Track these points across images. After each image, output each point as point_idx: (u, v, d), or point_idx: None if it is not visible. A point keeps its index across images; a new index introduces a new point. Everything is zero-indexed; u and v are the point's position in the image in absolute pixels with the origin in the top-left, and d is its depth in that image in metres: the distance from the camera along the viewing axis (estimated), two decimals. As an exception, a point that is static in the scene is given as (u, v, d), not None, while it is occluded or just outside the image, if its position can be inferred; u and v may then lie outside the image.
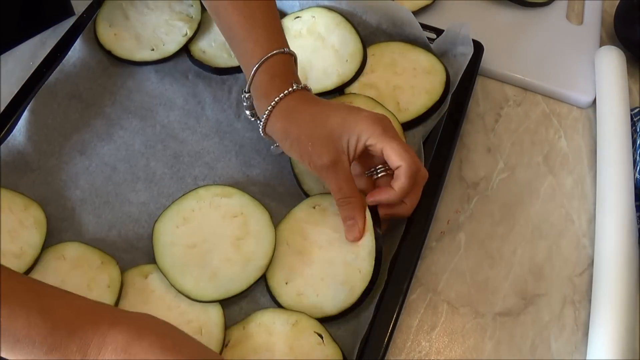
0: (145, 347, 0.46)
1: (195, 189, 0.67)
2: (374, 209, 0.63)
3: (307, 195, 0.69)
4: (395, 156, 0.59)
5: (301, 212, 0.67)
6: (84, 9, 0.82)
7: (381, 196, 0.62)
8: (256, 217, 0.65)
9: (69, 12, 0.85)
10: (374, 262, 0.61)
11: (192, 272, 0.62)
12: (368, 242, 0.63)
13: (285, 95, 0.62)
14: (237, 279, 0.62)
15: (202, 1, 0.69)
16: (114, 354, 0.45)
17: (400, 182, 0.60)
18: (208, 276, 0.62)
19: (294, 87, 0.62)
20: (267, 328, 0.60)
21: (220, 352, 0.58)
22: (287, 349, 0.59)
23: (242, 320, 0.61)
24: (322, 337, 0.59)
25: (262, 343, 0.59)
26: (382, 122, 0.60)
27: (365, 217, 0.62)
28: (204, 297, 0.60)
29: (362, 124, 0.59)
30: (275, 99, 0.62)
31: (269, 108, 0.62)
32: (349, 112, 0.61)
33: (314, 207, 0.66)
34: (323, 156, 0.60)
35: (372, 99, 0.72)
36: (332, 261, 0.63)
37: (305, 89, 0.64)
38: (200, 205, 0.66)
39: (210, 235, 0.64)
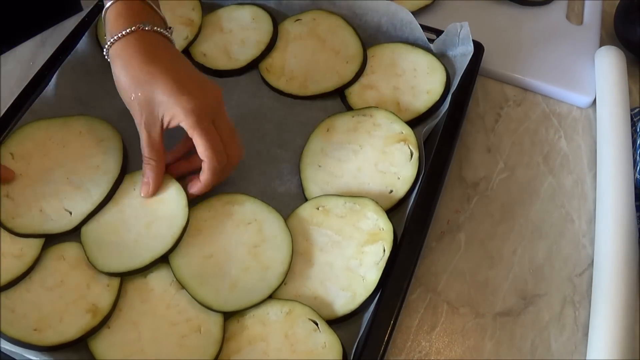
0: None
1: (206, 198, 0.67)
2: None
3: (306, 200, 0.69)
4: (200, 151, 0.62)
5: (304, 213, 0.67)
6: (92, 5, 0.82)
7: (192, 190, 0.66)
8: (270, 223, 0.65)
9: (78, 7, 0.85)
10: (381, 272, 0.61)
11: (212, 283, 0.61)
12: (376, 251, 0.63)
13: (121, 36, 0.62)
14: (257, 288, 0.61)
15: None
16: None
17: (204, 176, 0.64)
18: (228, 286, 0.61)
19: (133, 28, 0.62)
20: (261, 319, 0.60)
21: (220, 351, 0.58)
22: (282, 338, 0.59)
23: (237, 314, 0.60)
24: (317, 324, 0.59)
25: (257, 334, 0.59)
26: (197, 114, 0.61)
27: (160, 183, 0.65)
28: (225, 307, 0.60)
29: (179, 108, 0.60)
30: (112, 39, 0.63)
31: (105, 47, 0.64)
32: (175, 90, 0.61)
33: (318, 208, 0.66)
34: (138, 114, 0.63)
35: (393, 113, 0.72)
36: (332, 265, 0.63)
37: (156, 31, 0.64)
38: (212, 214, 0.66)
39: (225, 244, 0.64)
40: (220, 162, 0.63)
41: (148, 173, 0.65)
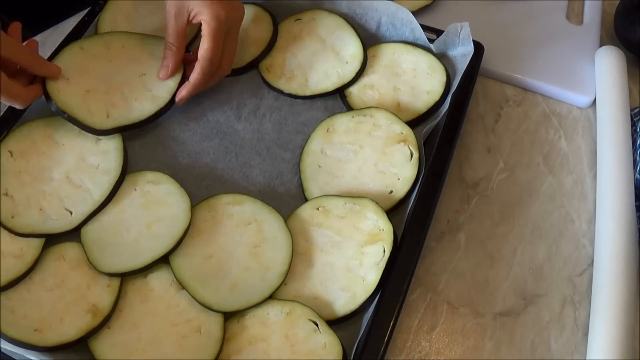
0: None
1: (206, 199, 0.67)
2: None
3: (307, 200, 0.69)
4: (201, 51, 0.69)
5: (305, 213, 0.67)
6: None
7: (181, 92, 0.72)
8: (270, 223, 0.65)
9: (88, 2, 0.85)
10: (381, 273, 0.61)
11: (212, 283, 0.61)
12: (376, 252, 0.63)
13: None
14: (257, 289, 0.61)
15: None
16: None
17: (194, 75, 0.71)
18: (228, 287, 0.61)
19: None
20: (261, 319, 0.60)
21: (220, 351, 0.58)
22: (283, 338, 0.59)
23: (237, 314, 0.61)
24: (317, 325, 0.59)
25: (257, 334, 0.59)
26: (219, 22, 0.68)
27: (176, 68, 0.72)
28: (226, 308, 0.60)
29: (208, 10, 0.68)
30: None
31: None
32: None
33: (318, 209, 0.66)
34: (172, 5, 0.70)
35: (393, 113, 0.72)
36: (332, 265, 0.63)
37: None
38: (212, 215, 0.66)
39: (225, 244, 0.64)
40: (212, 66, 0.70)
41: (168, 57, 0.72)
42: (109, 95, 0.71)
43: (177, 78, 0.73)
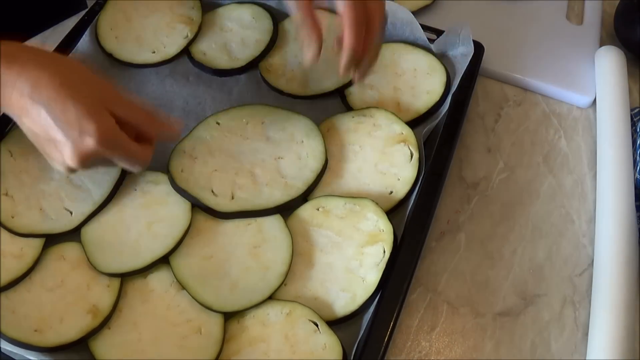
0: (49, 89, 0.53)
1: None
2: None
3: (307, 201, 0.69)
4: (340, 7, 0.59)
5: (305, 213, 0.66)
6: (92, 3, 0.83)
7: (342, 64, 0.63)
8: (270, 223, 0.65)
9: (82, 5, 0.85)
10: (381, 273, 0.61)
11: (212, 283, 0.61)
12: (376, 253, 0.63)
13: None
14: (257, 289, 0.61)
15: None
16: (20, 99, 0.54)
17: (346, 37, 0.61)
18: (228, 287, 0.61)
19: None
20: (261, 319, 0.60)
21: (220, 352, 0.58)
22: (283, 339, 0.59)
23: (237, 314, 0.61)
24: (317, 325, 0.59)
25: (257, 335, 0.59)
26: None
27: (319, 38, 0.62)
28: (226, 308, 0.60)
29: None
30: None
31: None
32: None
33: (318, 209, 0.66)
34: None
35: (393, 113, 0.72)
36: (332, 266, 0.63)
37: None
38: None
39: (225, 244, 0.64)
40: (359, 13, 0.59)
41: (308, 35, 0.62)
42: (237, 176, 0.67)
43: (306, 177, 0.66)
